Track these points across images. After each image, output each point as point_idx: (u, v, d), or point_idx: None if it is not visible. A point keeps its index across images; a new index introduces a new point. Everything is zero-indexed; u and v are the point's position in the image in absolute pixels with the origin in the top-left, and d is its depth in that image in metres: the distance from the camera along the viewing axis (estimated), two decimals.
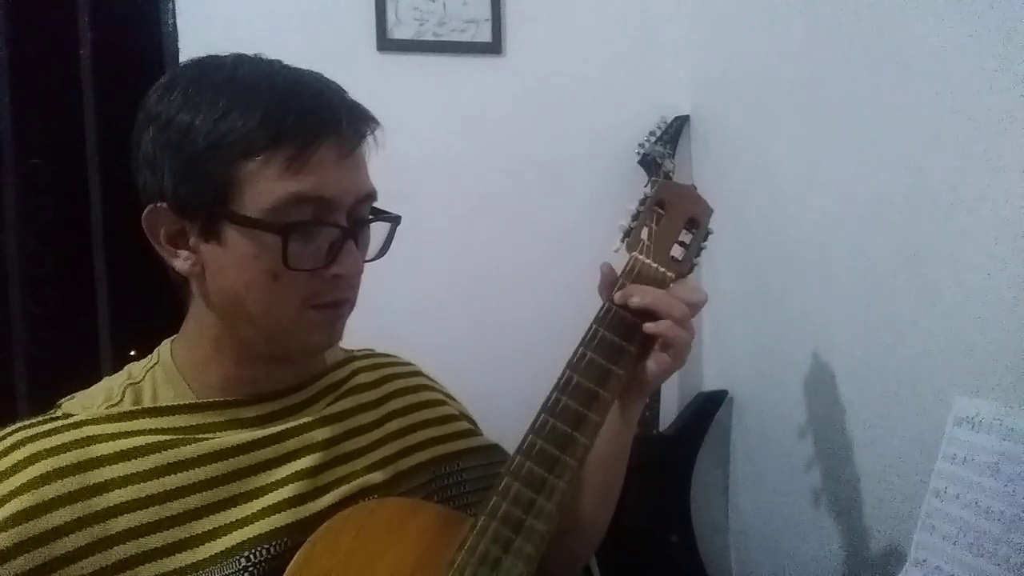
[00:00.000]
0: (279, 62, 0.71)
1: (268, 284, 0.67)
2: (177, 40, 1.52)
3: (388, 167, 1.71)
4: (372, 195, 0.72)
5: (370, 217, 0.73)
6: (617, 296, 0.74)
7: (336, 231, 0.68)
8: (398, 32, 1.62)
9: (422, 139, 1.63)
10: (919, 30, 1.02)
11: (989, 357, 0.92)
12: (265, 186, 0.65)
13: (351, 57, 1.60)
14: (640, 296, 0.73)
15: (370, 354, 0.90)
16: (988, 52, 0.91)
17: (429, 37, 1.63)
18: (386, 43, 1.61)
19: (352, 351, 0.89)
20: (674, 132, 1.65)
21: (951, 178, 0.98)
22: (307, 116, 0.65)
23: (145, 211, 0.69)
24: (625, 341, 0.73)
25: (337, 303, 0.71)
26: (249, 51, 0.71)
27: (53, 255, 1.55)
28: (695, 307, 0.74)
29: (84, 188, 1.52)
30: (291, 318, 0.69)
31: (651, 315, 0.73)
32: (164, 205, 0.68)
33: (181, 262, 0.70)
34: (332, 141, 0.66)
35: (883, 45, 1.09)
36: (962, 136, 0.96)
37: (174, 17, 1.52)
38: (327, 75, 0.72)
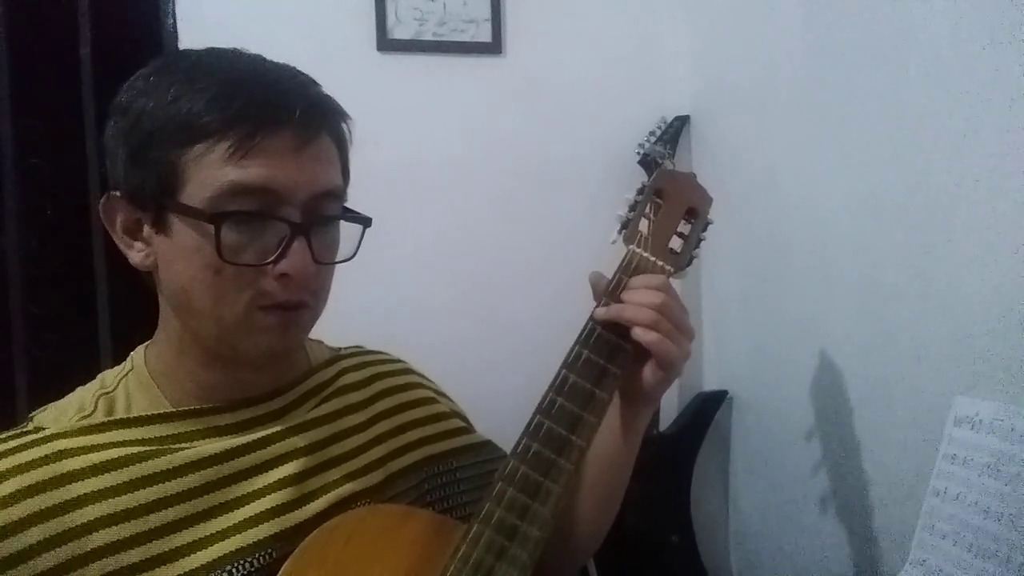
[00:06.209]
0: (250, 54, 0.68)
1: (210, 279, 0.64)
2: (177, 40, 1.52)
3: (387, 167, 1.72)
4: (334, 192, 0.68)
5: (330, 215, 0.69)
6: (599, 313, 0.71)
7: (284, 226, 0.64)
8: (398, 32, 1.62)
9: (422, 139, 1.63)
10: (919, 30, 1.02)
11: (989, 357, 0.92)
12: (208, 174, 0.62)
13: (351, 57, 1.60)
14: (620, 312, 0.70)
15: (357, 352, 0.88)
16: (989, 52, 0.91)
17: (429, 37, 1.63)
18: (386, 43, 1.61)
19: (339, 349, 0.87)
20: (674, 132, 1.65)
21: (951, 178, 0.98)
22: (256, 103, 0.62)
23: (102, 200, 0.68)
24: (622, 340, 0.71)
25: (287, 305, 0.66)
26: (248, 50, 0.70)
27: (53, 255, 1.55)
28: (667, 309, 0.69)
29: (84, 188, 1.52)
30: (237, 318, 0.65)
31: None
32: (118, 194, 0.67)
33: (135, 253, 0.68)
34: (285, 130, 0.63)
35: (883, 45, 1.09)
36: (962, 136, 0.95)
37: (174, 17, 1.52)
38: (327, 75, 0.72)
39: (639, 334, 0.69)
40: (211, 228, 0.62)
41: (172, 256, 0.66)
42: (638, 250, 0.75)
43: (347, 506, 0.72)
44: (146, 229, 0.67)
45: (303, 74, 0.70)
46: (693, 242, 0.76)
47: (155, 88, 0.64)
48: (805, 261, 1.31)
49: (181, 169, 0.63)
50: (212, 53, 0.68)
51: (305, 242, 0.65)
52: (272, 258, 0.64)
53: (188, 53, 0.68)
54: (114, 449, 0.66)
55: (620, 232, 0.77)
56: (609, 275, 0.75)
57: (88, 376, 0.74)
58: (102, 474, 0.64)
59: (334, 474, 0.74)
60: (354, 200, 0.73)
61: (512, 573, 0.65)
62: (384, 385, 0.85)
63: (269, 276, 0.65)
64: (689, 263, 0.76)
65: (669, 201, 0.77)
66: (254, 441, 0.71)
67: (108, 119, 0.67)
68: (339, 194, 0.70)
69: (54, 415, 0.69)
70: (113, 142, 0.66)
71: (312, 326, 0.72)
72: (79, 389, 0.73)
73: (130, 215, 0.67)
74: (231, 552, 0.66)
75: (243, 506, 0.68)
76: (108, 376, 0.73)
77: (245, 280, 0.64)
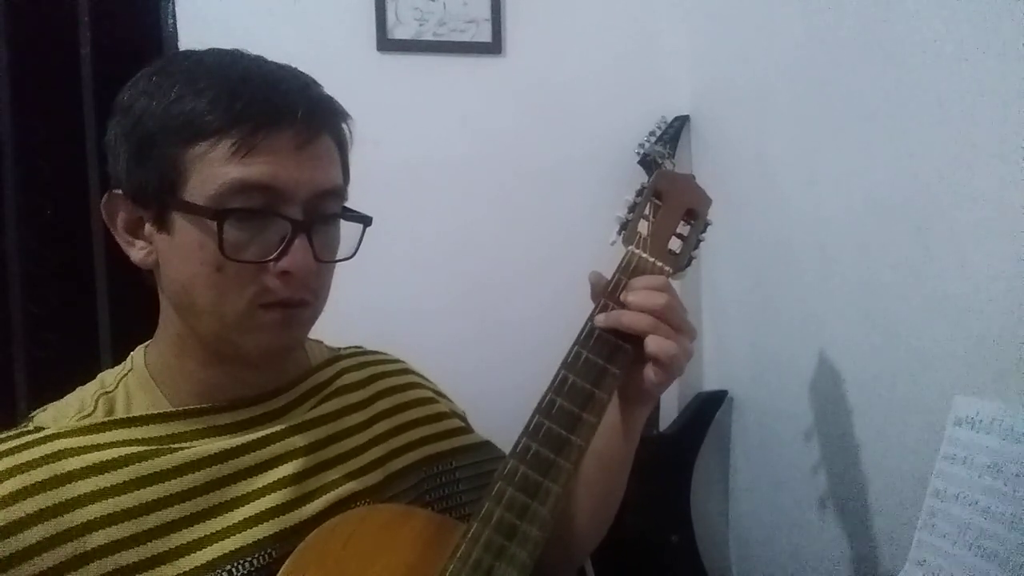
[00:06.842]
0: (252, 55, 0.69)
1: (212, 276, 0.64)
2: (177, 40, 1.52)
3: (387, 167, 1.72)
4: (334, 191, 0.69)
5: (331, 214, 0.69)
6: (600, 320, 0.71)
7: (286, 224, 0.64)
8: (398, 32, 1.62)
9: (422, 139, 1.64)
10: (919, 30, 1.02)
11: (989, 357, 0.92)
12: (211, 171, 0.62)
13: (351, 57, 1.60)
14: (619, 318, 0.70)
15: (357, 352, 0.88)
16: (988, 52, 0.91)
17: (429, 37, 1.63)
18: (386, 43, 1.61)
19: (339, 349, 0.87)
20: (674, 132, 1.65)
21: (951, 178, 0.98)
22: (259, 102, 0.63)
23: (103, 198, 0.68)
24: (621, 339, 0.71)
25: (288, 303, 0.66)
26: (249, 51, 0.70)
27: (53, 255, 1.55)
28: (668, 311, 0.69)
29: (84, 188, 1.52)
30: (238, 316, 0.65)
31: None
32: (120, 192, 0.67)
33: (136, 252, 0.68)
34: (286, 130, 0.64)
35: (883, 45, 1.09)
36: (962, 136, 0.95)
37: (174, 17, 1.52)
38: (327, 75, 0.72)
39: (648, 345, 0.69)
40: (213, 225, 0.63)
41: (174, 254, 0.66)
42: (637, 251, 0.75)
43: (346, 506, 0.72)
44: (148, 227, 0.67)
45: (305, 75, 0.70)
46: (692, 243, 0.76)
47: (157, 88, 0.65)
48: (805, 261, 1.31)
49: (183, 167, 0.63)
50: (214, 53, 0.68)
51: (306, 240, 0.65)
52: (274, 255, 0.64)
53: (190, 53, 0.68)
54: (114, 449, 0.66)
55: (619, 233, 0.77)
56: (609, 276, 0.75)
57: (88, 376, 0.74)
58: (102, 474, 0.64)
59: (333, 474, 0.74)
60: (354, 200, 0.73)
61: (511, 572, 0.65)
62: (384, 385, 0.85)
63: (271, 273, 0.65)
64: (688, 264, 0.76)
65: (668, 202, 0.77)
66: (254, 441, 0.71)
67: (110, 118, 0.68)
68: (340, 193, 0.70)
69: (54, 415, 0.69)
70: (115, 141, 0.67)
71: (312, 324, 0.72)
72: (79, 389, 0.73)
73: (132, 213, 0.68)
74: (231, 552, 0.66)
75: (243, 506, 0.68)
76: (108, 376, 0.73)
77: (247, 277, 0.65)
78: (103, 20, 1.54)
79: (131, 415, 0.69)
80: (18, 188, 1.51)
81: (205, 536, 0.66)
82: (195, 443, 0.69)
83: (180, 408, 0.70)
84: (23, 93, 1.51)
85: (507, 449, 0.71)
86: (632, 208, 0.77)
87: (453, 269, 1.67)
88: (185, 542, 0.65)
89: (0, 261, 1.51)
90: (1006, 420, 0.75)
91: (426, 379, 0.92)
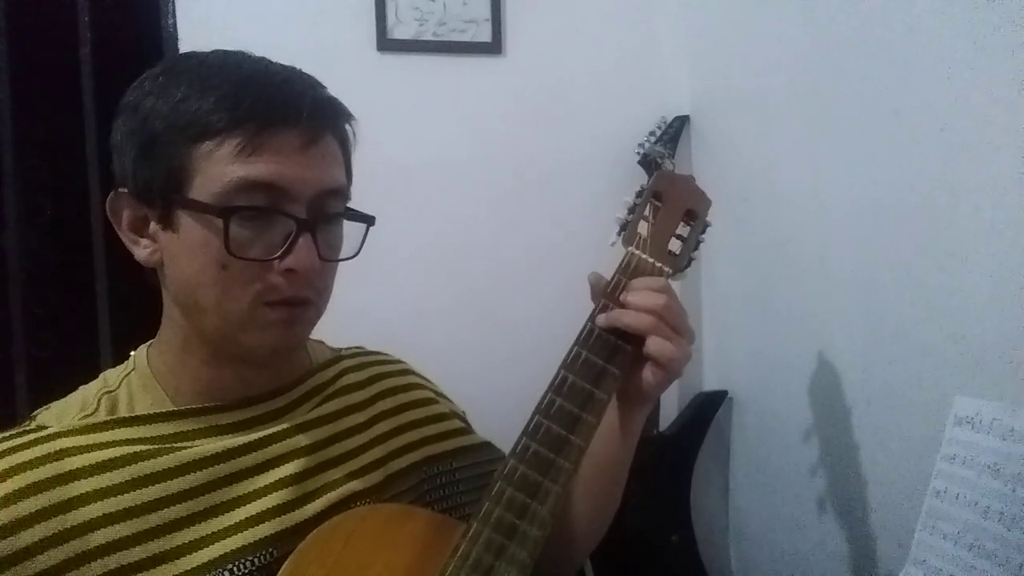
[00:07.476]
0: (256, 56, 0.69)
1: (218, 274, 0.65)
2: (177, 40, 1.52)
3: (387, 167, 1.72)
4: (338, 191, 0.69)
5: (335, 213, 0.70)
6: (600, 320, 0.71)
7: (290, 222, 0.65)
8: (398, 32, 1.62)
9: (422, 139, 1.64)
10: (918, 31, 1.02)
11: (989, 357, 0.92)
12: (216, 170, 0.63)
13: (351, 57, 1.60)
14: (619, 318, 0.70)
15: (358, 352, 0.89)
16: (988, 51, 0.91)
17: (429, 37, 1.63)
18: (386, 43, 1.61)
19: (340, 350, 0.87)
20: (674, 132, 1.65)
21: (950, 178, 0.98)
22: (265, 101, 0.64)
23: (109, 196, 0.68)
24: (621, 340, 0.71)
25: (292, 301, 0.67)
26: (249, 51, 0.70)
27: (53, 255, 1.55)
28: (668, 312, 0.70)
29: (84, 188, 1.52)
30: (242, 314, 0.66)
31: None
32: (125, 191, 0.68)
33: (140, 250, 0.69)
34: (291, 129, 0.64)
35: (883, 45, 1.09)
36: (961, 136, 0.95)
37: (174, 17, 1.52)
38: (327, 75, 0.72)
39: (648, 346, 0.69)
40: (219, 223, 0.63)
41: (178, 252, 0.66)
42: (637, 252, 0.75)
43: (347, 506, 0.72)
44: (152, 226, 0.68)
45: (309, 76, 0.71)
46: (692, 244, 0.77)
47: (164, 88, 0.65)
48: (805, 261, 1.31)
49: (189, 166, 0.64)
50: (219, 55, 0.68)
51: (311, 238, 0.66)
52: (279, 253, 0.65)
53: (194, 55, 0.69)
54: (116, 448, 0.66)
55: (619, 234, 0.77)
56: (608, 277, 0.75)
57: (88, 376, 0.75)
58: (104, 473, 0.65)
59: (334, 474, 0.74)
60: (354, 200, 0.74)
61: (511, 572, 0.65)
62: (385, 385, 0.85)
63: (275, 271, 0.65)
64: (688, 265, 0.77)
65: (668, 203, 0.77)
66: (255, 440, 0.71)
67: (116, 118, 0.68)
68: (343, 192, 0.71)
69: (56, 414, 0.70)
70: (121, 140, 0.67)
71: (315, 324, 0.73)
72: (82, 388, 0.73)
73: (137, 211, 0.68)
74: (232, 551, 0.66)
75: (244, 505, 0.68)
76: (110, 375, 0.74)
77: (251, 275, 0.65)
78: (103, 20, 1.54)
79: (133, 414, 0.69)
80: (18, 188, 1.51)
81: (206, 535, 0.66)
82: (197, 442, 0.69)
83: (182, 407, 0.70)
84: (23, 93, 1.51)
85: (507, 449, 0.71)
86: (632, 209, 0.77)
87: (453, 269, 1.67)
88: (186, 541, 0.65)
89: (0, 261, 1.51)
90: (1006, 420, 0.75)
91: (427, 380, 0.92)
